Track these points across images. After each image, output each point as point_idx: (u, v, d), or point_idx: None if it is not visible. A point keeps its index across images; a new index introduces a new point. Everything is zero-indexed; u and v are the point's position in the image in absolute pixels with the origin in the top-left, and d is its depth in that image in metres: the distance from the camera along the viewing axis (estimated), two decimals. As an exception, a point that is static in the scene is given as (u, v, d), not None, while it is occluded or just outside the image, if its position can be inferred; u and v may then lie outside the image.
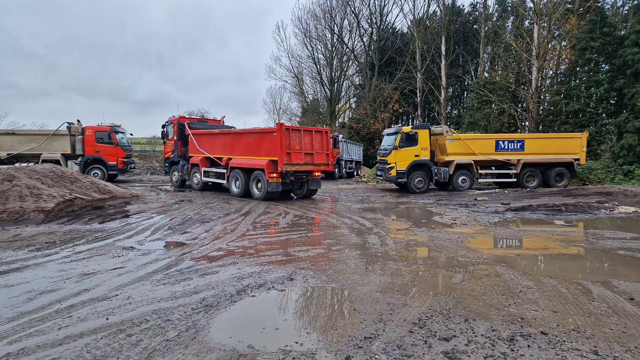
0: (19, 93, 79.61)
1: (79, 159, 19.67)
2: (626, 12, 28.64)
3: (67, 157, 19.54)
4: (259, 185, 13.54)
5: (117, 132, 20.46)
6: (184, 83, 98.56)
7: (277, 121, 48.97)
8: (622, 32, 24.45)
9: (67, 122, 19.61)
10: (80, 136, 19.72)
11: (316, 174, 14.25)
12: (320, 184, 15.24)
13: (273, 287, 4.66)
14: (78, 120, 20.06)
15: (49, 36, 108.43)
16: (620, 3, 30.45)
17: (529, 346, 3.20)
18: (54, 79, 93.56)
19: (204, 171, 16.03)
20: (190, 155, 16.88)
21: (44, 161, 18.31)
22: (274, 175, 12.88)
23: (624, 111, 22.23)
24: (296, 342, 3.24)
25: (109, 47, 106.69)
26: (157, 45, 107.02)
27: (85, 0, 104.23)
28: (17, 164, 17.19)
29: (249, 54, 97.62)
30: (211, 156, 15.53)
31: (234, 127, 18.00)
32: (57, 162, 18.44)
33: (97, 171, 19.61)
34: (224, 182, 15.10)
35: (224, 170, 14.95)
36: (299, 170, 13.37)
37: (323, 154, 13.99)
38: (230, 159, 14.62)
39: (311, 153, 13.56)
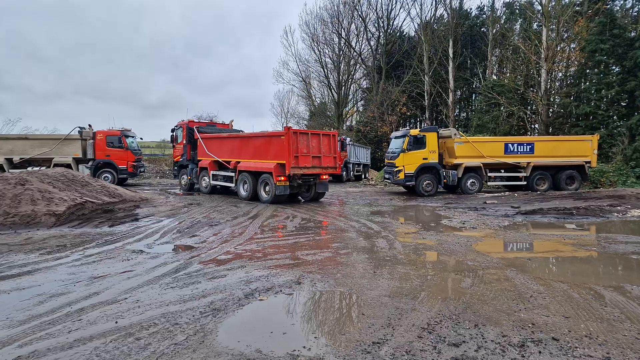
0: (32, 97, 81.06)
1: (90, 163, 19.91)
2: (636, 13, 28.30)
3: (78, 161, 19.81)
4: (267, 188, 13.59)
5: (127, 136, 20.69)
6: (195, 85, 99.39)
7: (284, 124, 49.19)
8: (633, 34, 24.14)
9: (79, 127, 19.91)
10: (91, 140, 19.98)
11: (324, 177, 14.25)
12: (328, 187, 15.24)
13: (281, 291, 4.66)
14: (89, 125, 20.35)
15: (64, 40, 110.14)
16: (629, 5, 30.11)
17: (540, 352, 3.16)
18: (68, 82, 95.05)
19: (213, 175, 16.12)
20: (199, 159, 16.99)
21: (55, 165, 18.59)
22: (282, 178, 12.91)
23: (636, 113, 21.92)
24: (304, 347, 3.23)
25: (124, 50, 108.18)
26: (171, 48, 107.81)
27: (102, 3, 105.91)
28: (29, 168, 17.45)
29: (260, 56, 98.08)
30: (219, 160, 15.62)
31: (242, 131, 18.09)
32: (68, 166, 18.72)
33: (107, 175, 19.82)
34: (232, 185, 15.17)
35: (232, 174, 15.02)
36: (307, 173, 13.39)
37: (330, 157, 13.99)
38: (239, 162, 14.69)
39: (319, 156, 13.57)
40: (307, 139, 13.34)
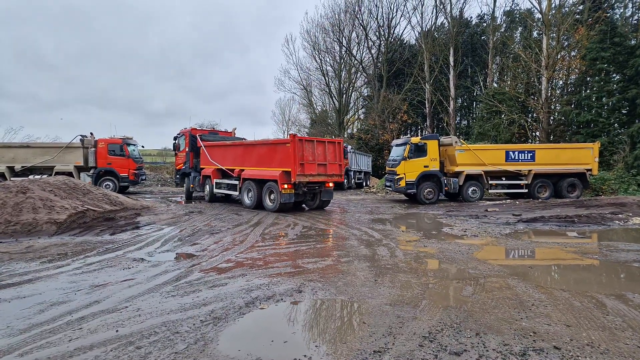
0: (37, 105, 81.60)
1: (92, 171, 19.98)
2: (636, 22, 28.50)
3: (79, 169, 19.89)
4: (272, 196, 13.55)
5: (128, 145, 20.78)
6: (200, 93, 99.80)
7: (285, 132, 49.28)
8: (633, 42, 24.27)
9: (80, 135, 20.02)
10: (93, 148, 20.08)
11: (329, 184, 14.23)
12: (333, 194, 15.20)
13: (282, 299, 4.65)
14: (91, 133, 20.48)
15: (69, 47, 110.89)
16: (629, 13, 30.34)
17: (541, 361, 3.14)
18: (72, 90, 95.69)
19: (216, 183, 16.10)
20: (201, 167, 17.01)
21: (57, 173, 18.66)
22: (287, 186, 12.87)
23: (637, 121, 21.95)
24: (305, 356, 3.22)
25: (130, 57, 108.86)
26: (178, 55, 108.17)
27: (108, 10, 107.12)
28: (31, 176, 17.52)
29: (266, 63, 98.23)
30: (223, 168, 15.62)
31: (245, 139, 18.14)
32: (70, 174, 18.78)
33: (108, 183, 19.88)
34: (236, 193, 15.12)
35: (236, 182, 14.97)
36: (312, 181, 13.37)
37: (336, 165, 13.97)
38: (243, 170, 14.66)
39: (324, 164, 13.54)
40: (313, 146, 13.34)
